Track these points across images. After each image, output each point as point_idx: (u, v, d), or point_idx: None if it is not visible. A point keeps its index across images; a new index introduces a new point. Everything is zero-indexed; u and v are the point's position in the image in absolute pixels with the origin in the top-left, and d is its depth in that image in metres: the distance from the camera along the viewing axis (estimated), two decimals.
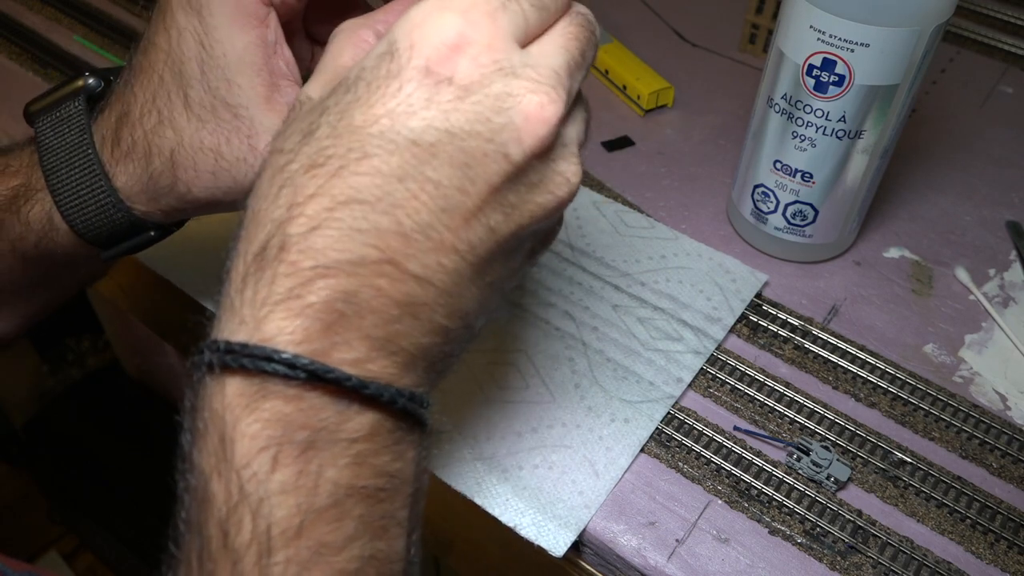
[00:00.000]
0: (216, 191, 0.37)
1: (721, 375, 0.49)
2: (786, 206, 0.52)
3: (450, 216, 0.28)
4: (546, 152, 0.30)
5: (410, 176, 0.27)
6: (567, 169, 0.31)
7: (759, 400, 0.48)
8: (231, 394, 0.27)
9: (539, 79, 0.29)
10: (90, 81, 0.40)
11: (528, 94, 0.28)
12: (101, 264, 0.45)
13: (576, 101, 0.31)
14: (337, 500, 0.28)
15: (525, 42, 0.30)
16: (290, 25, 0.40)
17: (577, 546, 0.44)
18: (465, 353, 0.33)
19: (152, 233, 0.41)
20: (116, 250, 0.41)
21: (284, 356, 0.26)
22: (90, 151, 0.38)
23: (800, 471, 0.45)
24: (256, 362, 0.26)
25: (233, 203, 0.38)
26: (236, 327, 0.27)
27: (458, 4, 0.28)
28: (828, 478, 0.44)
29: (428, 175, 0.28)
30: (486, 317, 0.32)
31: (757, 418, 0.47)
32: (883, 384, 0.49)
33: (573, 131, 0.31)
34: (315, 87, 0.31)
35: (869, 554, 0.42)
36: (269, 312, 0.27)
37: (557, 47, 0.30)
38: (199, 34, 0.36)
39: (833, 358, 0.50)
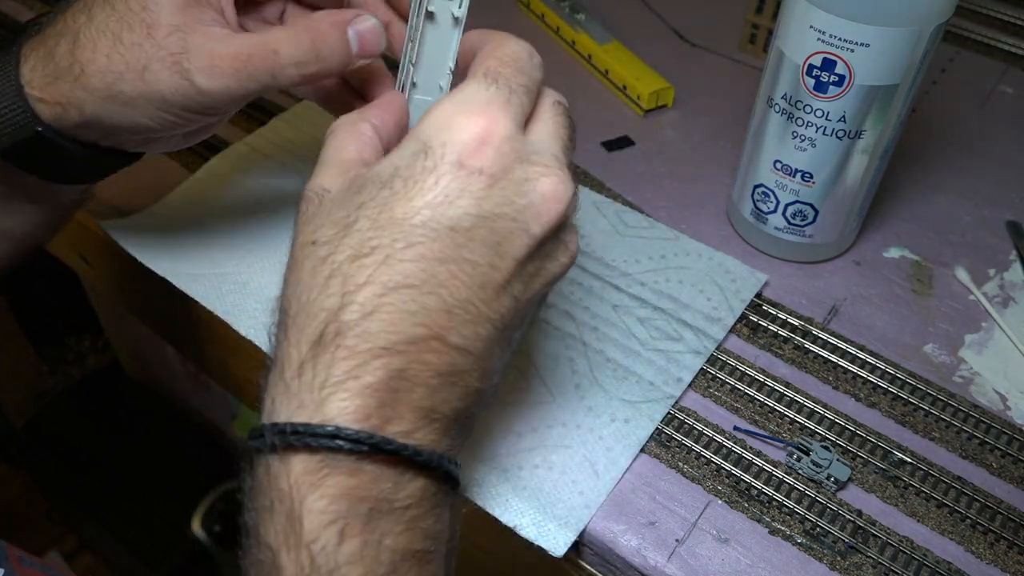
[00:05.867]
0: (108, 75, 0.39)
1: (721, 375, 0.49)
2: (786, 206, 0.52)
3: (484, 290, 0.31)
4: (559, 227, 0.33)
5: (451, 259, 0.31)
6: (570, 240, 0.35)
7: (759, 400, 0.48)
8: (296, 472, 0.29)
9: (547, 163, 0.33)
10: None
11: (542, 177, 0.32)
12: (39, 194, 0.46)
13: None
14: (395, 566, 0.30)
15: (523, 126, 0.33)
16: None
17: (577, 546, 0.44)
18: None
19: (41, 131, 0.40)
20: (32, 162, 0.41)
21: (349, 432, 0.29)
22: (12, 48, 0.40)
23: (800, 471, 0.45)
24: (321, 440, 0.29)
25: (124, 106, 0.39)
26: (295, 410, 0.30)
27: (477, 103, 0.32)
28: (828, 478, 0.44)
29: (466, 256, 0.31)
30: (501, 373, 0.36)
31: (757, 418, 0.47)
32: (883, 384, 0.49)
33: (573, 206, 0.34)
34: (326, 179, 0.33)
35: (869, 554, 0.42)
36: (330, 394, 0.29)
37: (551, 134, 0.34)
38: None
39: (833, 358, 0.50)
